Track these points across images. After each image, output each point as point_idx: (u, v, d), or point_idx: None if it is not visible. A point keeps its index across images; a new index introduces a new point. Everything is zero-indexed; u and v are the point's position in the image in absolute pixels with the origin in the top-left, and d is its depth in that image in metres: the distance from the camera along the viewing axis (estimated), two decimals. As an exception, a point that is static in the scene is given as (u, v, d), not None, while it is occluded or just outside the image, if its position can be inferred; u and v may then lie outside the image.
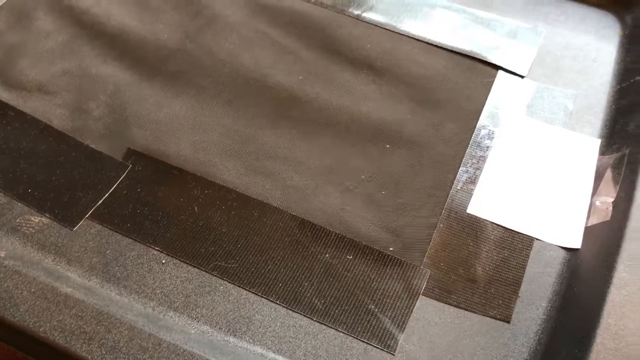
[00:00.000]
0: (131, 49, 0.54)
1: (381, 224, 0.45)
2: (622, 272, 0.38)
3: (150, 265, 0.42)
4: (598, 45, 0.56)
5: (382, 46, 0.55)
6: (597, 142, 0.49)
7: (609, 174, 0.46)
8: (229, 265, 0.42)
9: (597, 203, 0.44)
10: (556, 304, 0.41)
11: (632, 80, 0.51)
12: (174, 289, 0.41)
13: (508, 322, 0.40)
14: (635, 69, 0.52)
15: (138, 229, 0.44)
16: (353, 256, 0.43)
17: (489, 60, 0.54)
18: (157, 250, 0.43)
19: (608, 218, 0.43)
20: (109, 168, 0.47)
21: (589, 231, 0.44)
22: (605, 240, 0.42)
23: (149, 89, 0.52)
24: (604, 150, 0.48)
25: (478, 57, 0.54)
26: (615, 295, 0.37)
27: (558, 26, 0.58)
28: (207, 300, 0.41)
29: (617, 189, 0.44)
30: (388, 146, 0.49)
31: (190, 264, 0.42)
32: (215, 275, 0.42)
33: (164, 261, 0.43)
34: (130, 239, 0.43)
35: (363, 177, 0.47)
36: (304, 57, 0.54)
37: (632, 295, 0.37)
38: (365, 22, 0.57)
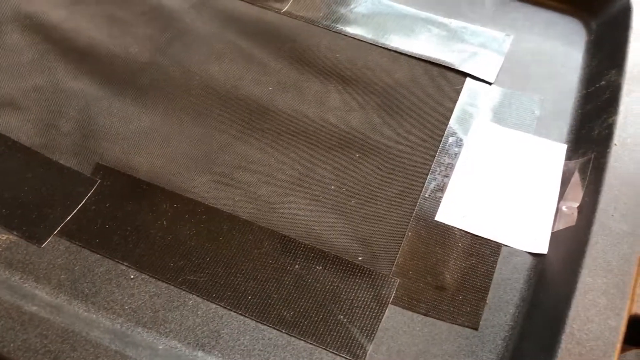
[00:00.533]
0: (101, 64, 0.54)
1: (350, 234, 0.45)
2: (587, 276, 0.39)
3: (119, 281, 0.42)
4: (565, 50, 0.57)
5: (351, 55, 0.56)
6: (563, 148, 0.49)
7: (574, 178, 0.46)
8: (198, 279, 0.42)
9: (563, 208, 0.45)
10: (523, 310, 0.41)
11: (597, 86, 0.52)
12: (143, 304, 0.41)
13: (476, 329, 0.40)
14: (600, 73, 0.53)
15: (107, 245, 0.44)
16: (322, 267, 0.43)
17: (456, 68, 0.55)
18: (126, 265, 0.43)
19: (573, 223, 0.43)
20: (78, 184, 0.47)
21: (555, 236, 0.44)
22: (570, 245, 0.42)
23: (119, 103, 0.52)
24: (571, 155, 0.49)
25: (446, 65, 0.55)
26: (580, 300, 0.38)
27: (525, 32, 0.58)
28: (176, 315, 0.41)
29: (582, 194, 0.44)
30: (357, 155, 0.49)
31: (159, 279, 0.42)
32: (184, 290, 0.42)
33: (132, 276, 0.42)
34: (98, 255, 0.43)
35: (333, 187, 0.47)
36: (273, 67, 0.55)
37: (596, 300, 0.38)
38: (335, 32, 0.58)
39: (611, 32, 0.55)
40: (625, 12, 0.54)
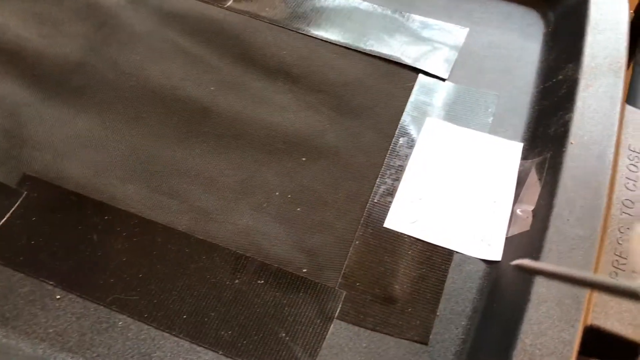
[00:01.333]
0: (30, 66, 0.51)
1: (295, 244, 0.42)
2: (541, 286, 0.37)
3: (44, 302, 0.39)
4: (522, 43, 0.55)
5: (298, 52, 0.53)
6: (519, 147, 0.47)
7: (530, 180, 0.44)
8: (130, 298, 0.39)
9: (518, 212, 0.43)
10: (476, 322, 0.39)
11: (554, 80, 0.50)
12: (69, 327, 0.38)
13: (426, 343, 0.38)
14: (557, 67, 0.51)
15: (31, 263, 0.40)
16: (264, 281, 0.40)
17: (408, 64, 0.52)
18: (52, 284, 0.40)
19: (528, 228, 0.41)
20: (1, 196, 0.43)
21: (509, 242, 0.42)
22: (525, 251, 0.40)
23: (49, 108, 0.48)
24: (527, 154, 0.46)
25: (397, 60, 0.52)
26: (533, 313, 0.35)
27: (481, 25, 0.56)
28: (104, 338, 0.38)
29: (538, 196, 0.42)
30: (304, 159, 0.46)
31: (87, 299, 0.39)
32: (114, 310, 0.39)
33: (58, 297, 0.39)
34: (22, 274, 0.40)
35: (277, 193, 0.44)
36: (215, 66, 0.51)
37: (550, 312, 0.35)
38: (282, 27, 0.54)
39: (568, 23, 0.53)
40: (583, 3, 0.52)
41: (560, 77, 0.50)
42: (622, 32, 0.50)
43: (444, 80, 0.51)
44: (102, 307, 0.39)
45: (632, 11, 0.54)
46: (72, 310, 0.39)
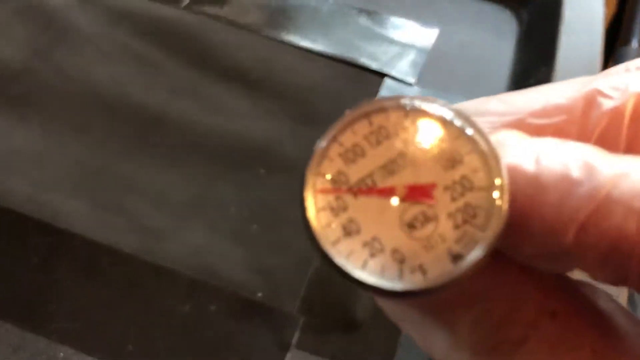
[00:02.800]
0: (-33, 71, 0.47)
1: (250, 265, 0.39)
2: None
3: (-24, 333, 0.36)
4: (494, 44, 0.52)
5: (258, 55, 0.50)
6: (490, 155, 0.45)
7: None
8: (71, 327, 0.36)
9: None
10: (442, 348, 0.37)
11: (526, 84, 0.47)
12: (4, 360, 0.35)
13: (389, 372, 0.36)
14: (531, 70, 0.48)
15: (-37, 290, 0.37)
16: (217, 306, 0.38)
17: (373, 68, 0.49)
18: (-14, 313, 0.37)
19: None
20: None
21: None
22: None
23: (-12, 117, 0.45)
24: (498, 163, 0.44)
25: (362, 64, 0.49)
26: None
27: (453, 25, 0.53)
28: (43, 373, 0.35)
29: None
30: (263, 171, 0.44)
31: (25, 329, 0.36)
32: (55, 341, 0.36)
33: (-7, 327, 0.36)
34: (-47, 303, 0.37)
35: (233, 209, 0.42)
36: (169, 70, 0.48)
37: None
38: (241, 28, 0.51)
39: (542, 23, 0.51)
40: (555, 2, 0.49)
41: (533, 80, 0.47)
42: (597, 33, 0.48)
43: (411, 84, 0.49)
44: (41, 337, 0.36)
45: (611, 13, 0.52)
46: (7, 341, 0.36)
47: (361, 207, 0.16)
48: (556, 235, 0.14)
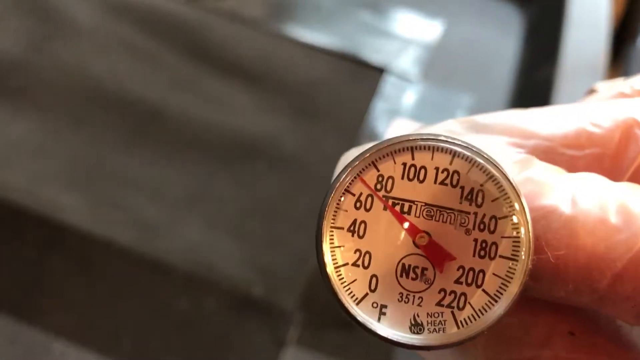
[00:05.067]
0: (-35, 63, 0.47)
1: (248, 261, 0.39)
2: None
3: (-28, 326, 0.36)
4: (498, 41, 0.52)
5: (257, 50, 0.49)
6: (492, 153, 0.44)
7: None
8: (67, 320, 0.36)
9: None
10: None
11: (530, 81, 0.47)
12: (0, 353, 0.35)
13: (387, 370, 0.36)
14: (535, 66, 0.48)
15: (-41, 282, 0.37)
16: (213, 302, 0.37)
17: (375, 64, 0.49)
18: (-19, 306, 0.37)
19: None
20: None
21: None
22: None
23: (-14, 109, 0.45)
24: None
25: (364, 60, 0.49)
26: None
27: (457, 21, 0.53)
28: (37, 366, 0.35)
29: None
30: (262, 166, 0.43)
31: (22, 322, 0.36)
32: (50, 333, 0.36)
33: (-12, 320, 0.36)
34: (-52, 295, 0.37)
35: (231, 205, 0.41)
36: (168, 64, 0.48)
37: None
38: (242, 23, 0.51)
39: (546, 20, 0.50)
40: (560, -1, 0.49)
41: (538, 76, 0.47)
42: (601, 31, 0.47)
43: (414, 80, 0.48)
44: (37, 330, 0.36)
45: (620, 11, 0.51)
46: (4, 335, 0.36)
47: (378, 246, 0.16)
48: (590, 283, 0.13)
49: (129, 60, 0.48)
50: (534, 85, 0.47)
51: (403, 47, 0.50)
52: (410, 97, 0.47)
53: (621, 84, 0.18)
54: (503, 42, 0.51)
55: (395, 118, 0.46)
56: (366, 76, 0.48)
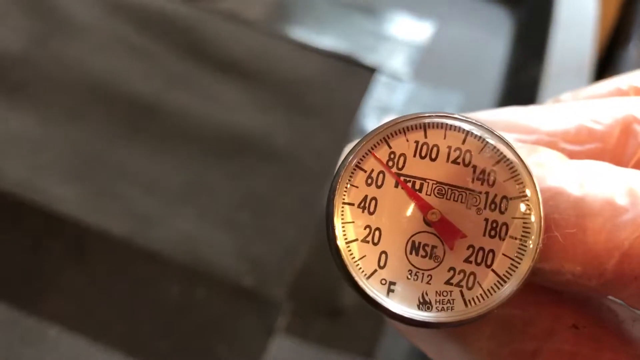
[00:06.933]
0: (-33, 58, 0.48)
1: (239, 252, 0.40)
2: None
3: (-31, 312, 0.37)
4: (488, 42, 0.53)
5: (253, 48, 0.50)
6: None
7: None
8: (62, 307, 0.37)
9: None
10: (425, 336, 0.37)
11: (518, 80, 0.48)
12: (-5, 338, 0.36)
13: (372, 357, 0.36)
14: (523, 66, 0.49)
15: (-42, 269, 0.38)
16: (205, 291, 0.38)
17: (367, 63, 0.50)
18: (-21, 292, 0.37)
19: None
20: None
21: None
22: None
23: (-13, 103, 0.46)
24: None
25: (357, 59, 0.50)
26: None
27: (447, 21, 0.54)
28: (33, 351, 0.36)
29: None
30: (254, 161, 0.44)
31: (17, 307, 0.37)
32: (45, 320, 0.37)
33: (-16, 305, 0.37)
34: (-53, 281, 0.38)
35: (224, 197, 0.42)
36: (164, 61, 0.49)
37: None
38: (238, 21, 0.52)
39: (535, 22, 0.51)
40: (549, 0, 0.50)
41: (526, 77, 0.48)
42: (588, 33, 0.48)
43: (405, 79, 0.49)
44: (33, 315, 0.37)
45: (611, 15, 0.52)
46: (0, 320, 0.37)
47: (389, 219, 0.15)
48: (598, 263, 0.14)
49: (127, 57, 0.49)
50: (521, 85, 0.48)
51: (394, 48, 0.51)
52: (400, 95, 0.48)
53: (618, 79, 0.18)
54: (492, 43, 0.53)
55: (386, 115, 0.47)
56: (358, 75, 0.49)
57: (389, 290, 0.15)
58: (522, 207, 0.15)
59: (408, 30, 0.53)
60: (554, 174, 0.15)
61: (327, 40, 0.51)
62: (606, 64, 0.87)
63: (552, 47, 0.47)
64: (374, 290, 0.15)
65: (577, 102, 0.18)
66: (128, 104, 0.46)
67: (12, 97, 0.46)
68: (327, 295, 0.38)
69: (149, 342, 0.36)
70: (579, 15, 0.50)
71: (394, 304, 0.15)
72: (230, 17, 0.52)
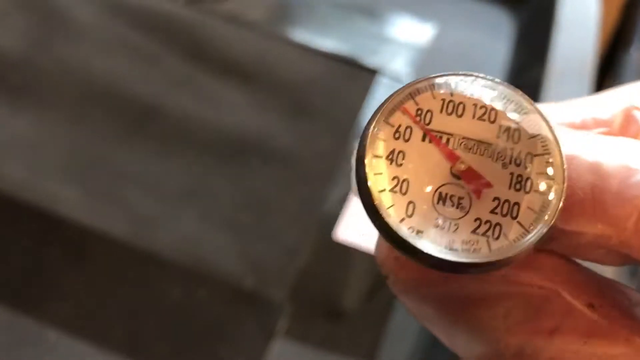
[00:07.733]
0: (-33, 61, 0.48)
1: (239, 254, 0.40)
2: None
3: (-32, 314, 0.37)
4: (489, 43, 0.53)
5: (254, 50, 0.50)
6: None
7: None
8: (61, 310, 0.37)
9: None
10: (427, 337, 0.37)
11: (520, 82, 0.48)
12: (-6, 340, 0.36)
13: (374, 361, 0.36)
14: (525, 69, 0.49)
15: (-43, 270, 0.38)
16: (206, 294, 0.38)
17: (368, 65, 0.50)
18: (-23, 294, 0.37)
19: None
20: None
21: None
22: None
23: (-13, 105, 0.46)
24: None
25: (358, 61, 0.50)
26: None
27: (449, 23, 0.54)
28: (32, 353, 0.35)
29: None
30: (255, 163, 0.44)
31: (16, 310, 0.37)
32: (44, 322, 0.37)
33: (-16, 307, 0.37)
34: (-54, 283, 0.38)
35: (225, 199, 0.42)
36: (166, 63, 0.49)
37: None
38: (239, 23, 0.52)
39: (537, 24, 0.51)
40: (550, 2, 0.50)
41: (528, 79, 0.48)
42: (590, 34, 0.48)
43: (406, 81, 0.49)
44: (30, 319, 0.37)
45: (613, 18, 0.52)
46: (-1, 323, 0.37)
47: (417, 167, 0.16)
48: (618, 223, 0.14)
49: (128, 59, 0.49)
50: (523, 87, 0.48)
51: (396, 50, 0.51)
52: (402, 97, 0.48)
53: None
54: (494, 44, 0.53)
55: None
56: (360, 77, 0.49)
57: (416, 239, 0.15)
58: (546, 163, 0.15)
59: (409, 32, 0.52)
60: (568, 141, 0.15)
61: (328, 42, 0.51)
62: (608, 67, 0.87)
63: (553, 49, 0.47)
64: (405, 233, 0.15)
65: (580, 99, 0.18)
66: (129, 105, 0.46)
67: (12, 99, 0.46)
68: (329, 297, 0.38)
69: (149, 345, 0.36)
70: (581, 18, 0.49)
71: (424, 243, 0.15)
72: (231, 19, 0.52)
